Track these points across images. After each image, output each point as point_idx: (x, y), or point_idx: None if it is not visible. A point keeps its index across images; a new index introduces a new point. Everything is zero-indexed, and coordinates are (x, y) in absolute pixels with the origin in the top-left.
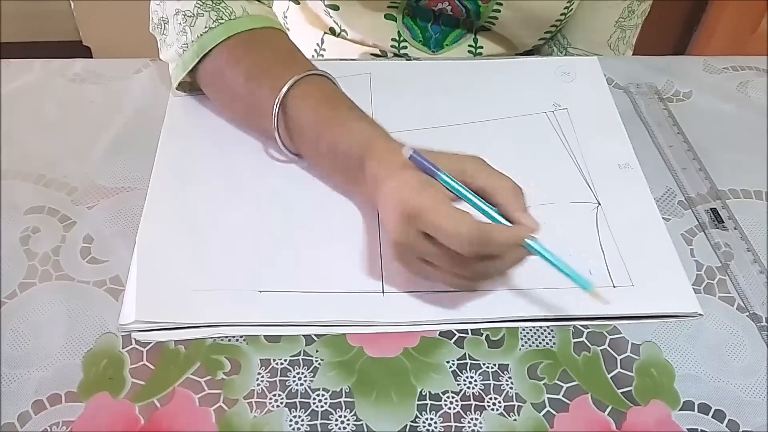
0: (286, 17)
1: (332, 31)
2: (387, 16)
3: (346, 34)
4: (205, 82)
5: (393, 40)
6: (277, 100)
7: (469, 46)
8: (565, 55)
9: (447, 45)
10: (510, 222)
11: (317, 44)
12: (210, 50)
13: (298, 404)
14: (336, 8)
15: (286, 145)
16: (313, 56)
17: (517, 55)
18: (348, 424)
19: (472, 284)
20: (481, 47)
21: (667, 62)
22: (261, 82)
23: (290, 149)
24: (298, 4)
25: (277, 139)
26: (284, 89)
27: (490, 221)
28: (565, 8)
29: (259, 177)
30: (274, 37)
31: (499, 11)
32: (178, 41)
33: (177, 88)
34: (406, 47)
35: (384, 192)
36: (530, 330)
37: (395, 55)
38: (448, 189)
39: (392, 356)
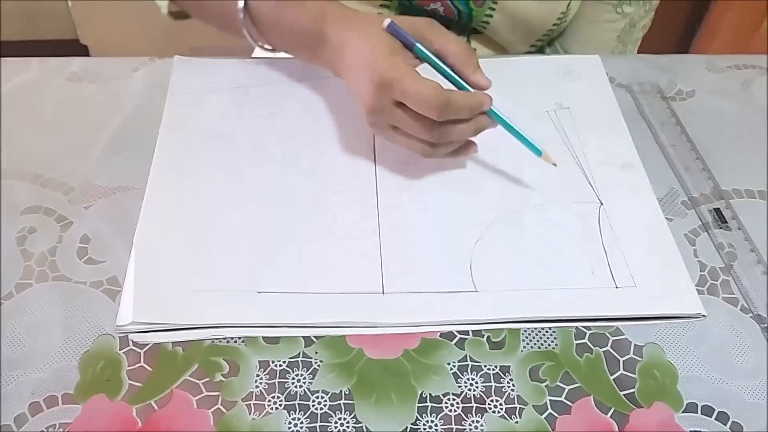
0: None
1: None
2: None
3: None
4: (182, 3)
5: None
6: (240, 1)
7: None
8: None
9: None
10: (465, 81)
11: None
12: None
13: (297, 406)
14: None
15: (257, 40)
16: None
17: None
18: (348, 427)
19: (436, 150)
20: (474, 50)
21: (669, 61)
22: None
23: (261, 45)
24: None
25: (247, 36)
26: None
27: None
28: (558, 18)
29: (258, 177)
30: None
31: (492, 16)
32: None
33: (169, 16)
34: None
35: (349, 59)
36: (532, 331)
37: None
38: (418, 57)
39: (392, 358)
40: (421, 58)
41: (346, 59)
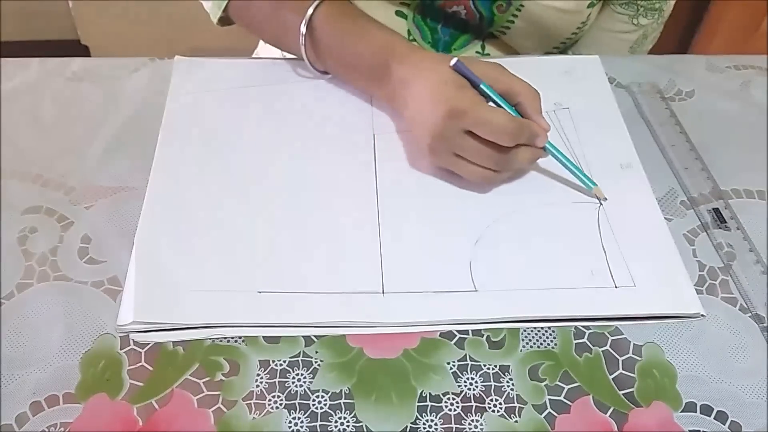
0: None
1: None
2: (398, 13)
3: None
4: (236, 14)
5: None
6: (303, 20)
7: (476, 52)
8: None
9: (455, 49)
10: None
11: None
12: None
13: (297, 405)
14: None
15: (313, 63)
16: None
17: None
18: (348, 426)
19: (497, 177)
20: (488, 54)
21: (669, 61)
22: (286, 7)
23: (317, 67)
24: None
25: (305, 58)
26: (310, 10)
27: None
28: (578, 27)
29: (258, 177)
30: None
31: (513, 22)
32: None
33: (217, 23)
34: None
35: (416, 91)
36: (531, 331)
37: None
38: (483, 95)
39: (392, 357)
40: (486, 97)
41: (412, 92)
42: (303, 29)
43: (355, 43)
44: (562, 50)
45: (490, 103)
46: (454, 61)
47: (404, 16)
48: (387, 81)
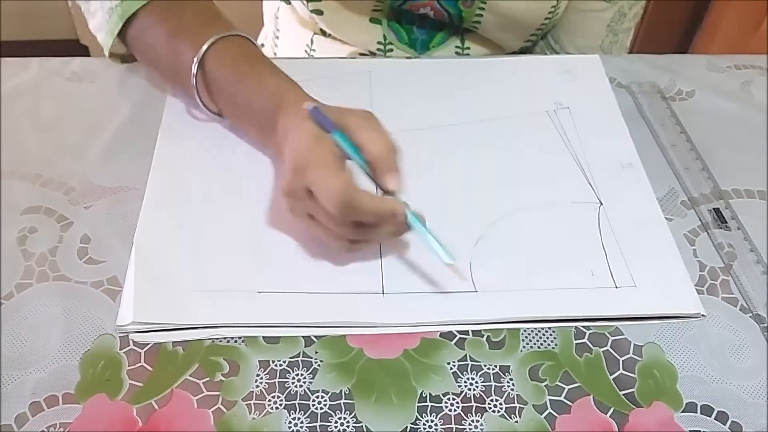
0: (277, 18)
1: (322, 31)
2: (372, 20)
3: (335, 35)
4: (132, 44)
5: (379, 43)
6: (196, 59)
7: (456, 47)
8: None
9: (433, 47)
10: (376, 180)
11: (307, 45)
12: (134, 14)
13: (297, 406)
14: (320, 13)
15: (206, 103)
16: (304, 56)
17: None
18: (348, 426)
19: (349, 246)
20: (468, 48)
21: (669, 61)
22: (181, 40)
23: (210, 108)
24: (289, 4)
25: (196, 97)
26: (204, 47)
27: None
28: (549, 13)
29: (258, 177)
30: None
31: (482, 15)
32: (102, 9)
33: (111, 58)
34: (392, 50)
35: (290, 142)
36: (532, 331)
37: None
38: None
39: (392, 358)
40: (340, 149)
41: (289, 143)
42: (195, 68)
43: (250, 89)
44: (541, 36)
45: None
46: (309, 106)
47: (378, 22)
48: (273, 132)
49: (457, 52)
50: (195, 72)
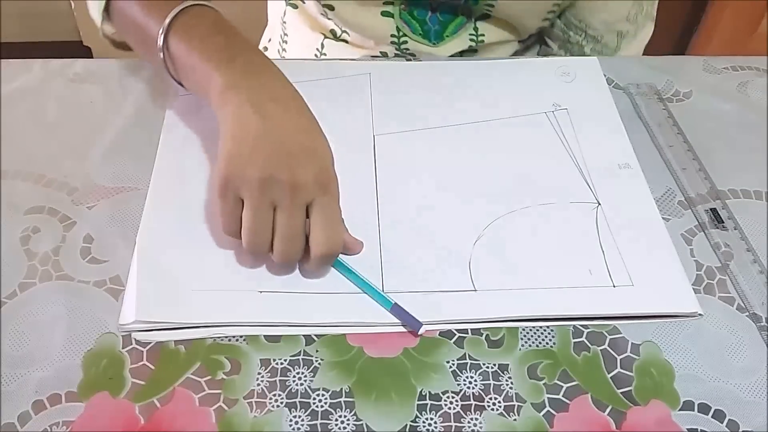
0: (284, 22)
1: (333, 34)
2: (384, 13)
3: (348, 35)
4: (116, 21)
5: (392, 36)
6: (161, 29)
7: (470, 35)
8: (584, 37)
9: (447, 36)
10: None
11: (317, 49)
12: None
13: (298, 404)
14: (331, 8)
15: (174, 76)
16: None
17: (518, 46)
18: (348, 424)
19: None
20: (483, 35)
21: (667, 62)
22: (151, 12)
23: (183, 84)
24: (296, 8)
25: (167, 70)
26: (168, 18)
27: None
28: None
29: None
30: None
31: None
32: None
33: (107, 40)
34: (406, 42)
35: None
36: (530, 330)
37: (396, 50)
38: None
39: (392, 356)
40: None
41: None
42: (160, 41)
43: (195, 58)
44: (559, 14)
45: None
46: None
47: (390, 15)
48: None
49: (471, 40)
50: (161, 45)
